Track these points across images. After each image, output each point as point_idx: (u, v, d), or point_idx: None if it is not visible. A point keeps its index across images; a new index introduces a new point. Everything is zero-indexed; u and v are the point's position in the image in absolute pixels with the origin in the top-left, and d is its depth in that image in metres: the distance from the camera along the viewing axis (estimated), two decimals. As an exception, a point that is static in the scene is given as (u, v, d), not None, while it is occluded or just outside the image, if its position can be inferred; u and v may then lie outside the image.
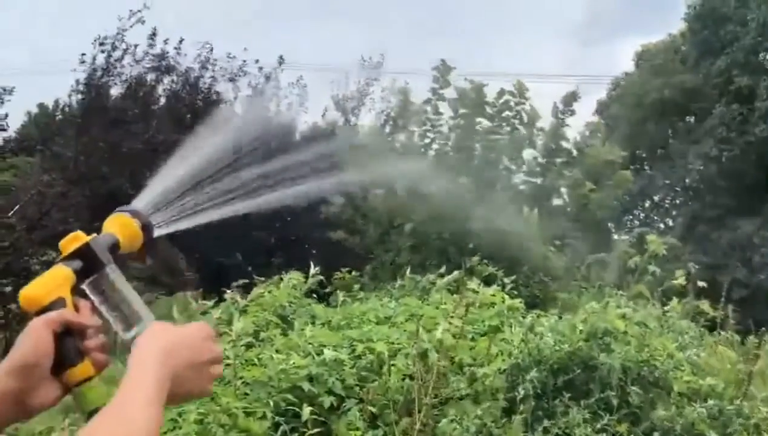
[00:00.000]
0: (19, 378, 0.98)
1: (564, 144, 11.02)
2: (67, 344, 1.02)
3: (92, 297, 1.11)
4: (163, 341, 1.00)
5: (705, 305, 6.28)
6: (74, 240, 1.11)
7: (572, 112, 11.07)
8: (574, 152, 11.00)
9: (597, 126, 12.35)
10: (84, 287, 1.10)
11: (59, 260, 1.10)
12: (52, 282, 1.06)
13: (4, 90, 10.36)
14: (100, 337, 1.06)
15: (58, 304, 1.04)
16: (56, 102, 18.87)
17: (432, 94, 10.93)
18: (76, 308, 1.06)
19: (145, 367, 0.95)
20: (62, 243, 1.11)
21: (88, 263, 1.09)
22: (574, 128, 11.43)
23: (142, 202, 1.25)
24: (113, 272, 1.12)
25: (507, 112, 10.83)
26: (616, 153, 11.28)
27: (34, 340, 1.00)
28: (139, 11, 11.32)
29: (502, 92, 10.91)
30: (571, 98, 11.09)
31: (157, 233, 1.24)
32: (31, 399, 0.99)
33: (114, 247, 1.15)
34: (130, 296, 1.13)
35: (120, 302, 1.12)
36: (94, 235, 1.14)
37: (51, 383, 1.01)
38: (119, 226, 1.19)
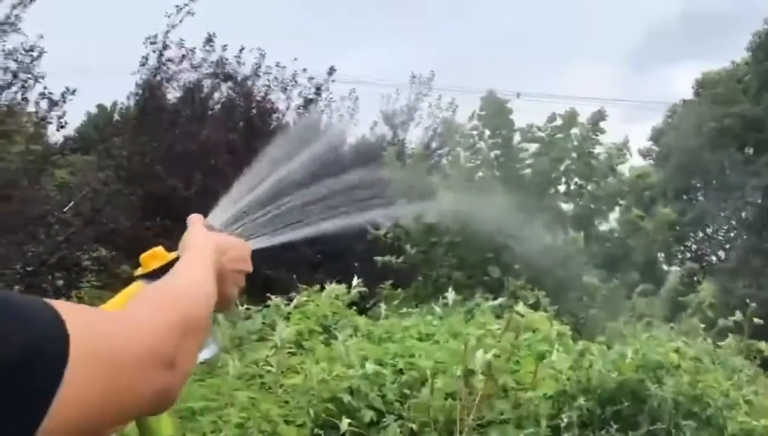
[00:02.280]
0: None
1: (594, 163, 10.86)
2: None
3: None
4: (216, 238, 1.07)
5: (762, 344, 6.05)
6: (156, 257, 1.09)
7: (601, 131, 10.86)
8: (608, 171, 10.83)
9: (621, 145, 11.76)
10: None
11: (138, 275, 1.08)
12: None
13: (68, 90, 10.69)
14: None
15: None
16: (114, 103, 19.43)
17: (478, 120, 10.97)
18: None
19: (204, 252, 1.01)
20: (143, 258, 1.10)
21: None
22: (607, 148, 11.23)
23: (218, 219, 1.24)
24: None
25: (558, 135, 10.74)
26: (649, 172, 11.11)
27: None
28: (186, 5, 11.43)
29: (553, 117, 10.85)
30: (598, 117, 10.89)
31: None
32: None
33: None
34: None
35: None
36: (176, 253, 1.11)
37: None
38: None
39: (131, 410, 0.75)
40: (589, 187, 10.60)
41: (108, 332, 0.73)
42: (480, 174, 10.83)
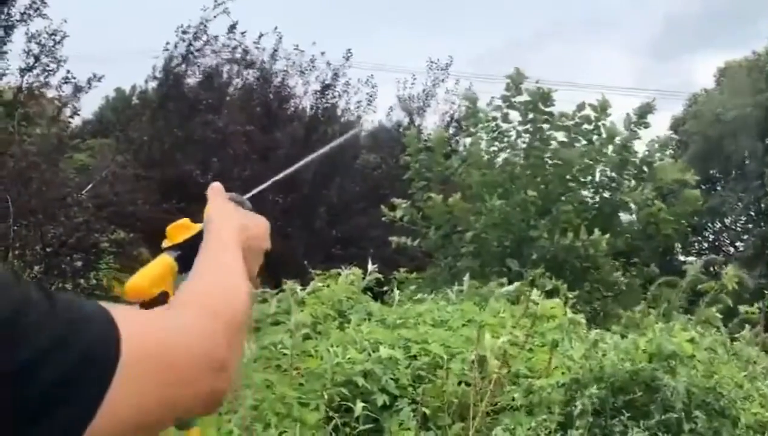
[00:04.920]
0: None
1: (632, 158, 10.47)
2: None
3: None
4: (237, 219, 1.06)
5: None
6: (184, 229, 1.08)
7: (646, 125, 10.47)
8: (644, 168, 10.47)
9: (666, 140, 11.58)
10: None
11: (166, 248, 1.08)
12: (157, 273, 1.04)
13: (94, 76, 10.82)
14: None
15: (162, 296, 1.02)
16: (133, 87, 19.54)
17: (503, 102, 10.53)
18: None
19: (231, 235, 1.00)
20: (170, 229, 1.09)
21: (192, 253, 1.05)
22: (645, 142, 10.85)
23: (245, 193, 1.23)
24: None
25: (586, 126, 10.29)
26: (687, 171, 10.69)
27: None
28: (224, 1, 11.56)
29: (582, 105, 10.38)
30: (646, 110, 10.48)
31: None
32: None
33: None
34: None
35: None
36: (201, 224, 1.10)
37: None
38: None
39: (183, 411, 0.76)
40: (617, 179, 10.18)
41: (159, 334, 0.74)
42: (502, 157, 10.47)
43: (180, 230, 1.08)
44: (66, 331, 0.64)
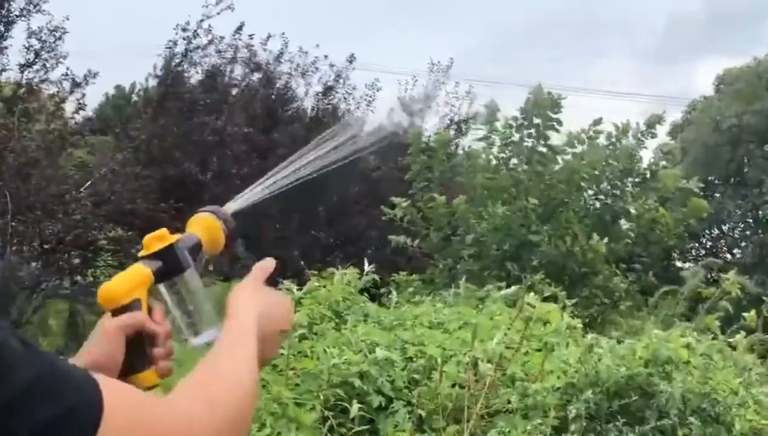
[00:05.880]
0: None
1: (639, 166, 10.46)
2: (137, 349, 1.02)
3: (166, 299, 1.10)
4: (260, 304, 1.04)
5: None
6: (159, 239, 1.08)
7: (653, 135, 10.47)
8: (647, 175, 10.46)
9: (669, 147, 11.64)
10: (161, 288, 1.09)
11: (141, 257, 1.08)
12: (131, 282, 1.04)
13: (89, 72, 10.82)
14: (167, 344, 1.06)
15: (134, 305, 1.03)
16: (132, 85, 19.58)
17: (520, 114, 10.50)
18: (150, 311, 1.05)
19: (249, 327, 0.99)
20: (146, 240, 1.09)
21: (168, 264, 1.07)
22: (649, 150, 10.86)
23: (229, 204, 1.23)
24: (192, 276, 1.10)
25: (600, 141, 10.28)
26: (693, 181, 10.67)
27: (107, 343, 1.00)
28: None
29: (598, 120, 10.33)
30: (655, 120, 10.48)
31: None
32: None
33: (196, 249, 1.13)
34: (204, 301, 1.12)
35: (193, 306, 1.11)
36: (180, 235, 1.11)
37: None
38: (204, 227, 1.16)
39: None
40: (620, 187, 10.15)
41: (149, 413, 0.75)
42: (507, 165, 10.42)
43: (155, 240, 1.08)
44: (56, 384, 0.66)
